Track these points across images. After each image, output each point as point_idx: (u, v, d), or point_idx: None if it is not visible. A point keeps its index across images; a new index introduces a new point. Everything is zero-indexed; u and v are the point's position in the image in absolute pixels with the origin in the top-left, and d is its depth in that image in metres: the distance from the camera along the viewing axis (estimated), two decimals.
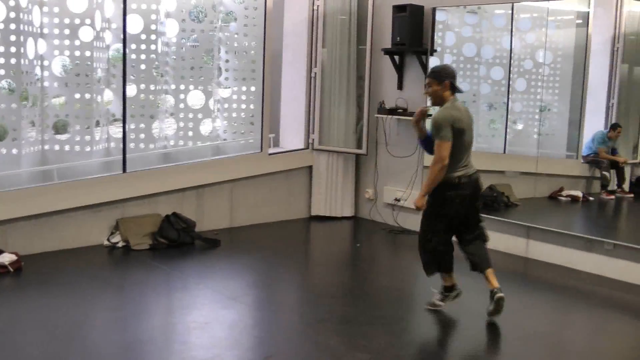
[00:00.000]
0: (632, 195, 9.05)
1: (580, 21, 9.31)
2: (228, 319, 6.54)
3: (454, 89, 6.57)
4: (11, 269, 7.63)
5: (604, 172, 9.23)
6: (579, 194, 9.44)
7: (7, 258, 7.70)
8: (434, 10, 9.70)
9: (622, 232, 8.88)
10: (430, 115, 6.77)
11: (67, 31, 8.66)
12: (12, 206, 8.10)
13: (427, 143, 6.74)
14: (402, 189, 10.26)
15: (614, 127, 9.17)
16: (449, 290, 6.86)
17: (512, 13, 9.60)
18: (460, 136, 6.45)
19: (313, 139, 10.92)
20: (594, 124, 9.28)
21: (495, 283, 6.58)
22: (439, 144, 6.37)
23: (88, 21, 8.69)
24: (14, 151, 8.28)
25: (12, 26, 8.08)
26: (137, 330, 6.21)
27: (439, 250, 6.80)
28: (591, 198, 9.35)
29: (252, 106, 10.31)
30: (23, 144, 8.34)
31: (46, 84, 8.68)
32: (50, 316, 6.51)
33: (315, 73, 10.78)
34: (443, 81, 6.48)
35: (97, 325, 6.44)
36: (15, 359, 5.50)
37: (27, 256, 8.08)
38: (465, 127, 6.51)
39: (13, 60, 8.15)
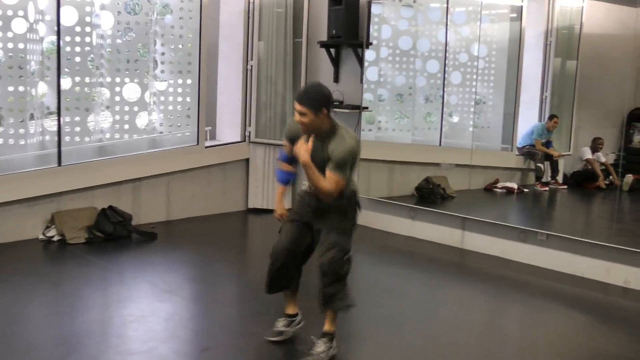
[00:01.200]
0: (565, 187, 9.21)
1: (514, 15, 9.44)
2: (164, 312, 6.53)
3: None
4: None
5: (538, 164, 9.37)
6: (514, 185, 9.57)
7: None
8: (369, 3, 9.75)
9: (555, 223, 9.03)
10: None
11: None
12: None
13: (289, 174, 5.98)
14: None
15: (551, 117, 9.31)
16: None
17: (447, 6, 9.70)
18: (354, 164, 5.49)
19: (249, 132, 10.93)
20: (528, 116, 9.42)
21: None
22: (338, 180, 5.28)
23: (21, 13, 8.57)
24: None
25: None
26: (74, 324, 6.17)
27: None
28: (526, 190, 9.50)
29: (188, 99, 10.29)
30: None
31: None
32: None
33: (252, 66, 10.78)
34: (321, 110, 5.31)
35: (34, 320, 6.38)
36: None
37: None
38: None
39: None
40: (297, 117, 5.35)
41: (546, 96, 9.25)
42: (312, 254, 5.88)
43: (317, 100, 5.30)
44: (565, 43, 9.07)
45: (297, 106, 5.32)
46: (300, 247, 5.81)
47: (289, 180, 6.03)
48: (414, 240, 9.46)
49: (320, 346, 5.57)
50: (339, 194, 5.43)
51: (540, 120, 9.32)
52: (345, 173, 5.32)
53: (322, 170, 5.31)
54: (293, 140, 5.57)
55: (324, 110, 5.31)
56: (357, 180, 5.90)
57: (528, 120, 9.39)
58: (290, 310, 6.05)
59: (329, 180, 5.28)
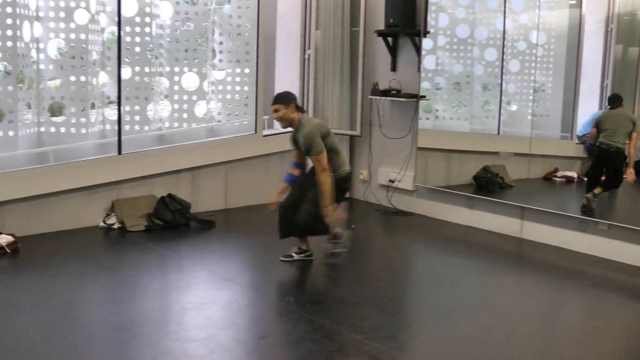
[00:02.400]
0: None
1: (574, 2, 9.31)
2: (223, 299, 6.55)
3: (300, 109, 7.54)
4: (8, 250, 7.65)
5: None
6: (574, 174, 9.46)
7: (4, 239, 7.72)
8: None
9: (616, 213, 8.91)
10: None
11: (62, 14, 8.67)
12: (8, 188, 8.13)
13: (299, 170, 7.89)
14: (396, 170, 10.30)
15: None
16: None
17: None
18: (326, 139, 7.42)
19: None
20: (588, 104, 9.30)
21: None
22: (316, 158, 7.31)
23: (83, 4, 8.70)
24: (11, 133, 8.29)
25: (9, 9, 8.09)
26: (133, 311, 6.21)
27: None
28: (586, 179, 9.38)
29: (246, 88, 10.33)
30: (19, 126, 8.36)
31: (42, 66, 8.70)
32: (46, 297, 6.52)
33: (309, 55, 10.80)
34: (289, 104, 7.39)
35: (94, 306, 6.47)
36: (12, 339, 5.51)
37: (23, 237, 8.11)
38: (328, 130, 7.56)
39: (9, 43, 8.16)
40: (274, 116, 7.49)
41: (607, 84, 9.12)
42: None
43: (284, 98, 7.44)
44: (627, 29, 8.93)
45: (272, 107, 7.44)
46: (291, 205, 7.61)
47: (294, 181, 7.77)
48: (472, 229, 9.42)
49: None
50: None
51: (600, 108, 9.20)
52: (316, 149, 7.26)
53: (306, 153, 7.49)
54: (295, 142, 7.63)
55: (291, 105, 7.40)
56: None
57: (588, 108, 9.28)
58: (303, 246, 7.76)
59: (313, 162, 7.38)
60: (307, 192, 7.44)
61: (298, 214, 7.45)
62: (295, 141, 7.61)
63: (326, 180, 7.24)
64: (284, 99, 7.41)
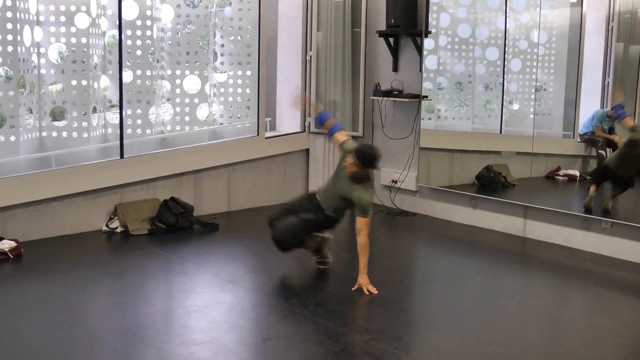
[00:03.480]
0: None
1: (575, 0, 9.33)
2: (227, 302, 6.58)
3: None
4: (11, 256, 7.67)
5: (600, 151, 9.24)
6: (576, 173, 9.48)
7: (6, 245, 7.74)
8: None
9: (619, 211, 8.92)
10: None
11: (62, 18, 8.66)
12: (10, 193, 8.15)
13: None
14: (398, 171, 10.32)
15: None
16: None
17: None
18: None
19: (309, 122, 10.98)
20: (590, 103, 9.31)
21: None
22: (367, 222, 6.83)
23: (84, 8, 8.69)
24: (12, 138, 8.29)
25: (9, 14, 8.08)
26: (138, 314, 6.23)
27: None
28: (588, 177, 9.38)
29: (248, 90, 10.35)
30: (21, 131, 8.36)
31: (43, 71, 8.69)
32: (50, 302, 6.54)
33: (311, 56, 10.82)
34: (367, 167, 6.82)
35: (97, 310, 6.50)
36: (16, 344, 5.53)
37: (26, 242, 8.14)
38: None
39: (10, 48, 8.15)
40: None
41: (608, 82, 9.14)
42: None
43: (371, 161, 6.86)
44: (627, 27, 8.94)
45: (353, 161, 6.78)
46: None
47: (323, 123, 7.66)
48: (475, 229, 9.46)
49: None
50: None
51: (602, 106, 9.22)
52: (371, 212, 6.93)
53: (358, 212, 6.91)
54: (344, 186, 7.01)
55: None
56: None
57: (590, 107, 9.29)
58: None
59: (361, 224, 6.89)
60: (301, 212, 7.29)
61: (282, 222, 7.30)
62: (338, 176, 7.12)
63: (367, 247, 6.89)
64: (370, 160, 6.84)
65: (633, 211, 8.76)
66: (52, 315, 6.21)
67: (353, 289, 6.74)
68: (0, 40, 8.10)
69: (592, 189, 8.66)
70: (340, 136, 7.25)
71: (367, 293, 6.68)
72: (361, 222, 6.81)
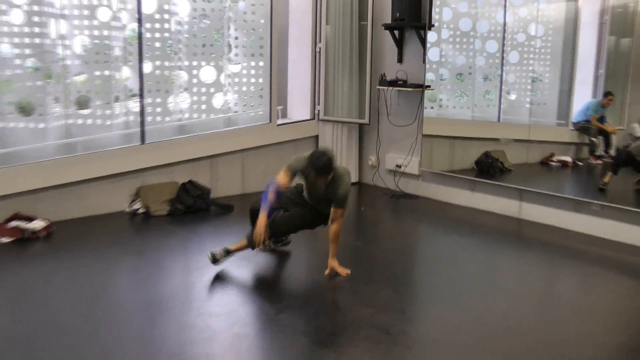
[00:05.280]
0: None
1: None
2: (241, 277, 6.68)
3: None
4: (41, 235, 7.80)
5: (593, 139, 9.33)
6: (569, 159, 9.53)
7: (38, 224, 7.86)
8: None
9: (608, 194, 8.98)
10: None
11: (85, 12, 8.77)
12: (41, 176, 8.29)
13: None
14: (402, 156, 10.43)
15: (607, 94, 9.24)
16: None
17: None
18: None
19: (318, 110, 11.06)
20: (583, 93, 9.36)
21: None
22: (342, 212, 6.66)
23: (105, 2, 8.81)
24: (41, 125, 8.44)
25: (36, 8, 8.24)
26: (158, 289, 6.33)
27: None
28: (580, 163, 9.45)
29: (260, 80, 10.43)
30: (48, 118, 8.50)
31: (68, 62, 8.78)
32: (78, 277, 6.67)
33: (320, 48, 10.88)
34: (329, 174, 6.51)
35: (122, 286, 6.62)
36: (48, 317, 5.65)
37: (56, 222, 8.25)
38: None
39: (37, 41, 8.31)
40: (320, 182, 6.56)
41: (601, 73, 9.16)
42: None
43: (328, 167, 6.48)
44: (620, 21, 8.94)
45: (321, 178, 6.51)
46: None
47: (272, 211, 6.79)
48: (474, 210, 9.53)
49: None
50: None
51: (594, 96, 9.26)
52: (346, 204, 6.67)
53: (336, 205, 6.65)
54: (313, 187, 6.74)
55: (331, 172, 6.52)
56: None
57: (583, 97, 9.32)
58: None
59: (336, 214, 6.66)
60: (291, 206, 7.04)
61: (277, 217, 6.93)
62: (312, 186, 6.78)
63: (339, 233, 6.78)
64: (323, 170, 6.48)
65: (622, 194, 8.85)
66: (80, 289, 6.34)
67: (326, 273, 6.71)
68: (28, 33, 8.26)
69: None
70: (281, 175, 6.75)
71: (343, 274, 6.71)
72: (338, 213, 6.65)
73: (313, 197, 6.82)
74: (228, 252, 6.90)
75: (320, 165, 6.43)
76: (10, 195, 8.13)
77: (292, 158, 6.80)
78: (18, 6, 8.24)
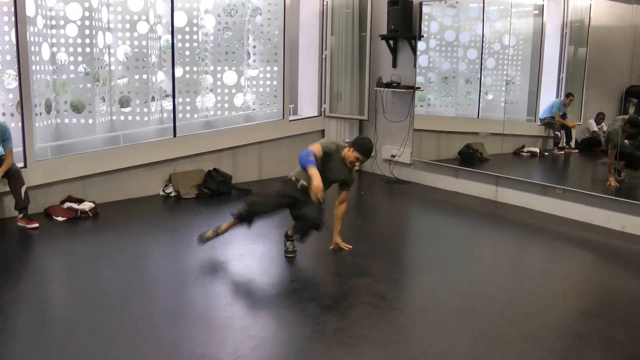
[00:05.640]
0: (576, 151, 9.17)
1: (537, 12, 9.31)
2: (258, 252, 6.69)
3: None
4: (90, 214, 7.85)
5: (556, 132, 9.31)
6: (537, 150, 9.53)
7: (87, 206, 7.92)
8: (421, 4, 9.79)
9: (569, 180, 8.98)
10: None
11: (127, 25, 8.80)
12: (89, 165, 8.34)
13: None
14: (396, 147, 10.43)
15: (568, 95, 9.25)
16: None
17: (484, 5, 9.60)
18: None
19: (325, 108, 11.07)
20: (548, 93, 9.36)
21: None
22: (348, 195, 6.60)
23: (144, 17, 8.83)
24: (90, 121, 8.49)
25: (87, 22, 8.27)
26: (188, 261, 6.36)
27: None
28: (546, 153, 9.45)
29: (275, 82, 10.44)
30: (96, 115, 8.54)
31: (112, 67, 8.84)
32: (120, 251, 6.71)
33: (326, 55, 10.89)
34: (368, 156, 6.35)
35: (156, 258, 6.64)
36: (97, 285, 5.70)
37: (102, 204, 8.30)
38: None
39: (87, 50, 8.33)
40: (357, 163, 6.36)
41: (562, 77, 9.15)
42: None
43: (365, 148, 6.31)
44: (577, 34, 8.94)
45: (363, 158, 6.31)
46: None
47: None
48: (457, 194, 9.54)
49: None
50: None
51: (557, 96, 9.26)
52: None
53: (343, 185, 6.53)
54: (333, 165, 6.38)
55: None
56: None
57: (548, 96, 9.30)
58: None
59: (345, 193, 6.59)
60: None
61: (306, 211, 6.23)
62: (330, 168, 6.39)
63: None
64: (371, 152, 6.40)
65: (578, 180, 8.87)
66: (121, 260, 6.39)
67: (331, 248, 6.67)
68: (80, 43, 8.30)
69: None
70: (315, 146, 6.31)
71: (346, 248, 6.66)
72: (347, 195, 6.57)
73: (325, 178, 6.18)
74: (217, 234, 6.63)
75: (368, 149, 6.32)
76: (65, 180, 8.17)
77: (322, 140, 6.57)
78: (73, 21, 8.28)
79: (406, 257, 6.96)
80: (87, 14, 8.28)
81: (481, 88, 9.98)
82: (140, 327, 4.84)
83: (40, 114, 7.98)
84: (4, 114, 7.59)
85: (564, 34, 9.15)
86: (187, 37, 9.44)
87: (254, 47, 10.30)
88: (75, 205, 7.90)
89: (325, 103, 11.03)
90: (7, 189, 7.39)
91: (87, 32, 8.32)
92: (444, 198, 9.36)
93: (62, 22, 8.26)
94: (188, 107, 9.59)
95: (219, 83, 9.98)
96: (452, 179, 9.74)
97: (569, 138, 9.28)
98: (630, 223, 7.62)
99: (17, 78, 7.48)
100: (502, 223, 8.24)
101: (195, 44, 9.54)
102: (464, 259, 6.71)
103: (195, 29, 9.49)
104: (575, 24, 9.06)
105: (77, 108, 8.53)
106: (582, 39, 9.01)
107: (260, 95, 10.46)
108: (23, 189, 7.34)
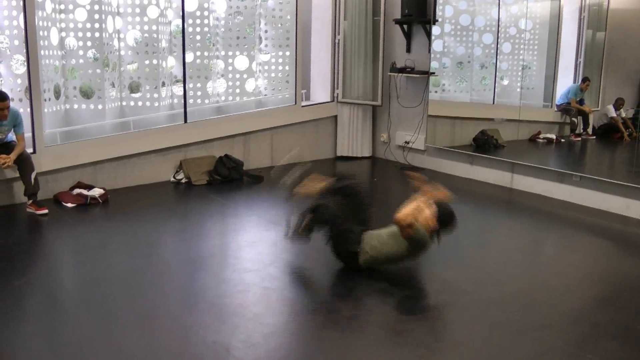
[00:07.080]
0: (594, 137, 9.15)
1: None
2: (270, 239, 6.70)
3: None
4: (100, 201, 7.87)
5: (573, 119, 9.30)
6: (553, 136, 9.50)
7: (97, 192, 7.94)
8: None
9: (586, 167, 8.97)
10: None
11: (137, 10, 8.81)
12: (99, 150, 8.36)
13: None
14: (410, 134, 10.41)
15: (584, 80, 9.22)
16: None
17: None
18: None
19: (337, 93, 11.01)
20: (565, 79, 9.34)
21: None
22: None
23: (154, 1, 8.83)
24: (99, 107, 8.51)
25: (96, 7, 8.29)
26: (199, 248, 6.39)
27: None
28: (562, 140, 9.44)
29: (287, 67, 10.44)
30: (106, 101, 8.56)
31: (122, 53, 8.85)
32: (131, 237, 6.76)
33: (339, 40, 10.83)
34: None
35: (168, 244, 6.66)
36: (107, 271, 5.72)
37: (112, 190, 8.32)
38: None
39: (97, 34, 8.35)
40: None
41: (580, 61, 9.12)
42: None
43: None
44: (595, 17, 8.91)
45: None
46: None
47: None
48: (472, 181, 9.52)
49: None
50: None
51: (574, 82, 9.23)
52: None
53: None
54: None
55: None
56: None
57: (565, 82, 9.28)
58: None
59: None
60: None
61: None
62: None
63: None
64: None
65: (596, 167, 8.85)
66: (132, 248, 6.42)
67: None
68: (90, 28, 8.31)
69: None
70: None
71: None
72: None
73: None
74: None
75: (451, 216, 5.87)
76: (74, 166, 8.21)
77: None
78: (82, 5, 8.29)
79: None
80: None
81: (497, 73, 9.97)
82: (151, 314, 4.86)
83: (49, 99, 8.01)
84: (12, 99, 7.61)
85: (582, 17, 9.11)
86: (198, 21, 9.43)
87: (266, 31, 10.30)
88: (84, 192, 7.93)
89: (338, 88, 10.98)
90: (17, 174, 7.44)
91: (96, 16, 8.33)
92: (459, 185, 9.29)
93: (71, 7, 8.28)
94: (199, 93, 9.59)
95: (230, 68, 9.98)
96: (466, 165, 9.71)
97: (586, 124, 9.24)
98: None
99: (26, 63, 7.52)
100: (517, 211, 8.24)
101: (206, 29, 9.54)
102: (478, 247, 6.73)
103: (206, 13, 9.48)
104: (593, 7, 9.02)
105: (86, 93, 8.56)
106: (601, 23, 8.97)
107: (272, 80, 10.46)
108: (33, 175, 7.39)
